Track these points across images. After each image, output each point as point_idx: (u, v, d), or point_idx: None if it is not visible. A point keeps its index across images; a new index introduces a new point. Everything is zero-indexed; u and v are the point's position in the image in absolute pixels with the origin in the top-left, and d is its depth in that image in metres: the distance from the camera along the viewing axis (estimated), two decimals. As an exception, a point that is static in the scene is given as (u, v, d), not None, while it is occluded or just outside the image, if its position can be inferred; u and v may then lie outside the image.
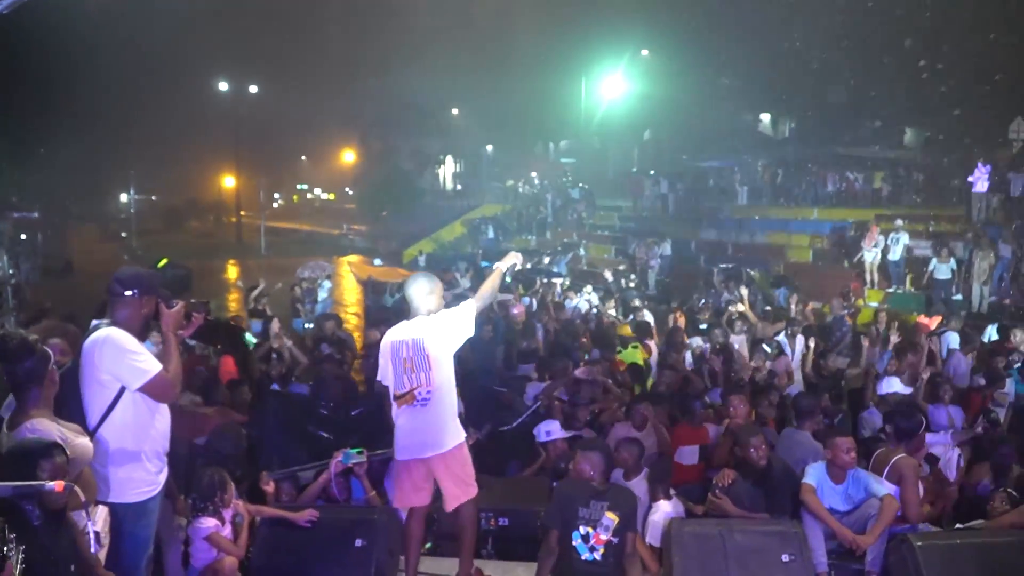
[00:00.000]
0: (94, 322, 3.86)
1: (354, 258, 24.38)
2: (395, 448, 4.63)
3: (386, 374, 4.64)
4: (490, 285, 4.69)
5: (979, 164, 19.70)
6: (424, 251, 29.34)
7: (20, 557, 2.41)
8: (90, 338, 3.73)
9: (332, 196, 74.15)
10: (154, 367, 3.70)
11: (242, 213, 48.79)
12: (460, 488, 4.60)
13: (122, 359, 3.67)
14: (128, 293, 3.78)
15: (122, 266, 4.02)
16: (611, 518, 4.78)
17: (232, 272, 32.67)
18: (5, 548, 2.40)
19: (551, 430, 6.73)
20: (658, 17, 33.63)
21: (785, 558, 4.79)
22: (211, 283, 23.38)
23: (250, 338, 9.34)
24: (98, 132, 41.42)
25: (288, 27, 44.54)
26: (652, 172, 31.16)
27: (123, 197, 51.61)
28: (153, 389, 3.70)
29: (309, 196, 78.57)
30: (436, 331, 4.54)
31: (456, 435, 4.59)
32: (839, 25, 28.05)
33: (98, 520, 3.50)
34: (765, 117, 39.47)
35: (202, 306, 4.05)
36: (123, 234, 43.30)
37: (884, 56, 27.14)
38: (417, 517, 4.78)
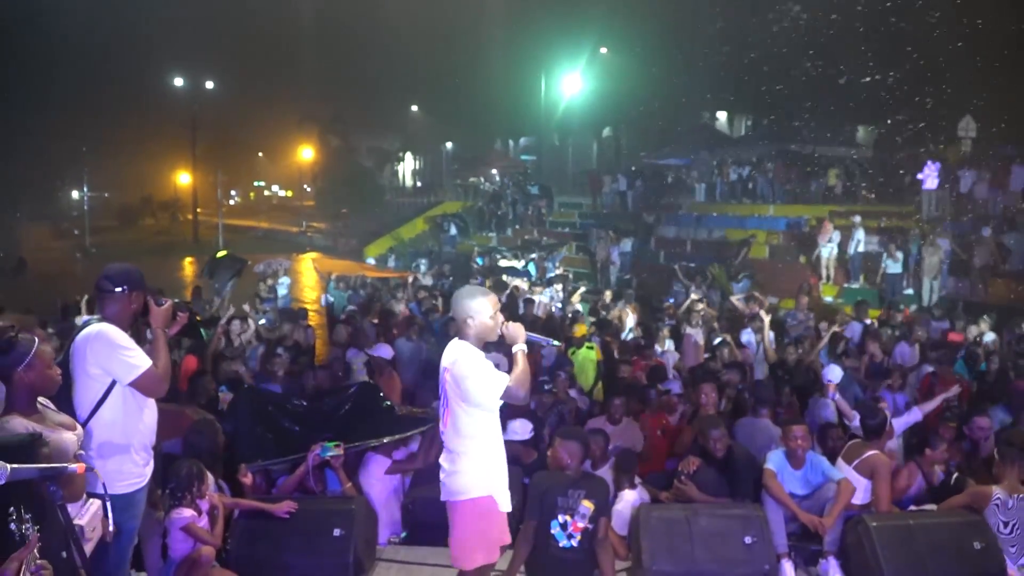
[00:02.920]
0: (84, 318, 3.93)
1: (315, 255, 24.30)
2: None
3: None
4: (523, 370, 3.90)
5: (928, 162, 20.32)
6: (392, 247, 29.30)
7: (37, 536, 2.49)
8: (81, 333, 3.80)
9: (290, 193, 73.53)
10: (144, 363, 3.78)
11: (198, 211, 48.16)
12: (458, 550, 4.03)
13: (113, 354, 3.74)
14: (118, 290, 3.87)
15: (110, 263, 4.07)
16: (587, 506, 4.95)
17: (189, 270, 32.32)
18: (24, 527, 2.48)
19: (516, 430, 6.77)
20: (616, 15, 33.96)
21: (747, 540, 5.02)
22: (167, 281, 23.07)
23: (204, 331, 9.40)
24: (49, 128, 40.61)
25: (244, 22, 43.98)
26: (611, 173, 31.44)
27: (75, 194, 50.61)
28: (143, 384, 3.78)
29: (266, 193, 77.78)
30: (452, 370, 3.93)
31: (465, 490, 3.94)
32: (794, 26, 28.63)
33: (86, 514, 3.56)
34: (722, 115, 40.09)
35: (186, 306, 4.12)
36: (76, 231, 42.46)
37: (838, 56, 27.74)
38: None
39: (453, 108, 41.93)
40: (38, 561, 2.43)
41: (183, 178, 52.43)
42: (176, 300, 4.08)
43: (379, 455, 6.08)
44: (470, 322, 3.98)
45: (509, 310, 12.50)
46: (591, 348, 10.54)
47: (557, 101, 38.72)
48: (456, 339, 4.10)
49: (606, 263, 23.42)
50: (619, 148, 41.14)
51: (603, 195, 30.25)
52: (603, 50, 37.57)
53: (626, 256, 23.65)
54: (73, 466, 2.68)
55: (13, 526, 2.48)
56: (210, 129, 48.43)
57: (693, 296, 12.77)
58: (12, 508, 2.50)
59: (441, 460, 4.08)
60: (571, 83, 37.65)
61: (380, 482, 6.00)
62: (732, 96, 33.73)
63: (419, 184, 50.25)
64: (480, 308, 4.00)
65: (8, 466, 2.36)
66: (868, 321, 12.23)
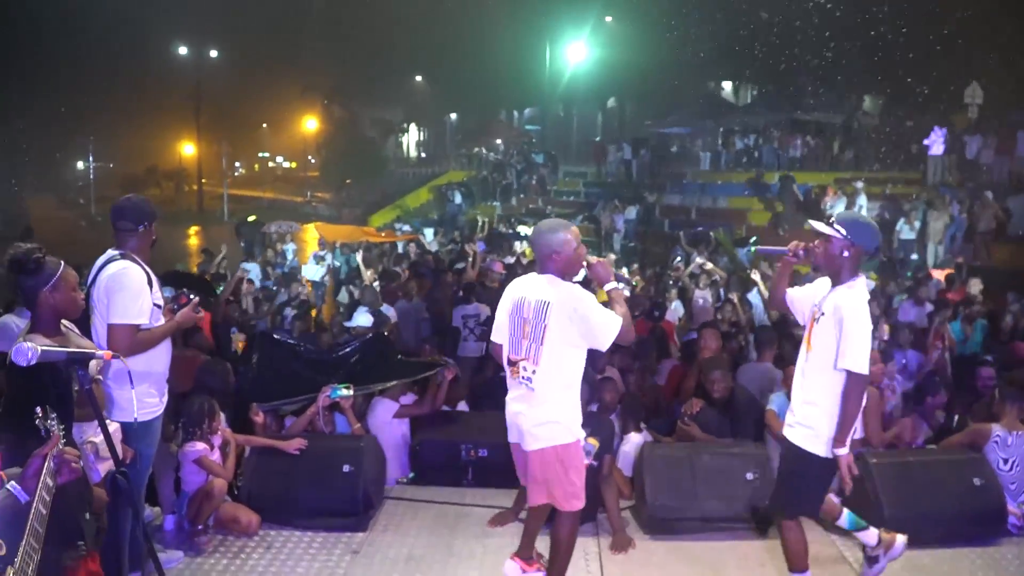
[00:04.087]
0: (109, 252, 3.99)
1: (319, 224, 24.56)
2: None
3: (502, 331, 4.01)
4: (626, 310, 3.89)
5: (935, 128, 20.25)
6: (398, 216, 29.33)
7: (62, 432, 2.58)
8: (107, 269, 3.87)
9: (294, 164, 73.30)
10: (135, 318, 3.83)
11: (203, 181, 48.14)
12: (557, 491, 3.89)
13: (119, 293, 3.83)
14: (140, 228, 4.00)
15: (120, 200, 4.14)
16: (592, 443, 5.01)
17: (194, 240, 32.44)
18: (48, 422, 2.56)
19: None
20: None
21: (749, 476, 5.10)
22: (174, 250, 23.19)
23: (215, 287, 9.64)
24: (53, 99, 40.53)
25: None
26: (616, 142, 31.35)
27: (80, 165, 50.57)
28: (116, 333, 3.81)
29: (271, 164, 77.61)
30: (568, 306, 3.74)
31: (562, 434, 3.82)
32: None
33: (100, 433, 3.64)
34: (727, 85, 39.81)
35: (187, 295, 4.23)
36: (81, 201, 42.53)
37: (843, 23, 27.49)
38: (534, 516, 4.18)
39: (457, 79, 41.56)
40: (64, 449, 2.51)
41: (187, 149, 52.34)
42: (190, 294, 4.21)
43: (386, 399, 6.17)
44: (555, 257, 3.82)
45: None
46: None
47: (562, 71, 38.45)
48: (538, 274, 3.93)
49: (611, 231, 23.48)
50: (624, 117, 40.92)
51: (608, 164, 30.20)
52: (608, 19, 37.27)
53: (630, 224, 23.72)
54: (100, 352, 2.77)
55: (39, 422, 2.56)
56: (214, 100, 48.21)
57: (698, 260, 12.80)
58: (38, 407, 2.58)
59: (526, 407, 3.83)
60: (576, 52, 37.39)
61: (388, 425, 6.09)
62: (737, 65, 33.44)
63: (423, 155, 50.07)
64: (566, 240, 3.84)
65: (38, 347, 2.44)
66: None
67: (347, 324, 8.46)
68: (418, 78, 48.88)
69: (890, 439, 5.80)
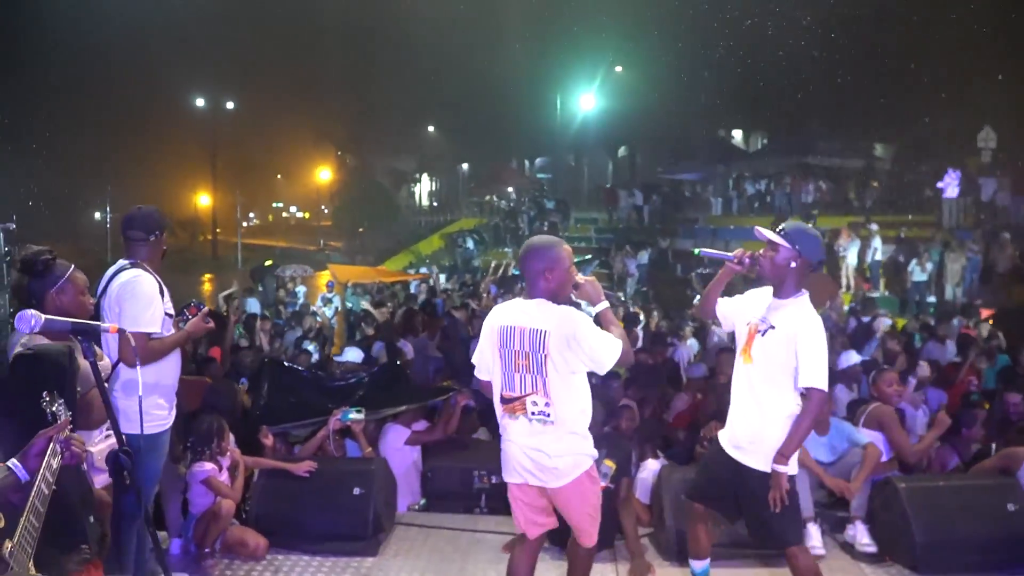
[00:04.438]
0: (120, 261, 3.96)
1: (334, 265, 24.97)
2: (502, 465, 3.68)
3: (486, 365, 3.65)
4: (622, 331, 3.67)
5: (949, 170, 20.24)
6: (411, 262, 29.47)
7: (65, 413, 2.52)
8: (119, 278, 3.83)
9: (307, 215, 73.98)
10: (147, 326, 3.77)
11: (217, 231, 48.58)
12: (587, 516, 3.64)
13: (131, 301, 3.78)
14: (152, 237, 3.95)
15: (131, 209, 4.11)
16: (609, 465, 4.90)
17: (208, 286, 32.55)
18: (55, 407, 2.50)
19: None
20: (631, 34, 34.11)
21: (771, 499, 4.92)
22: (188, 295, 23.30)
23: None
24: (74, 150, 41.19)
25: (264, 44, 44.46)
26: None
27: (97, 215, 51.12)
28: (125, 342, 3.72)
29: (284, 215, 78.33)
30: (566, 332, 3.43)
31: (587, 460, 3.57)
32: (809, 41, 28.66)
33: (101, 443, 3.55)
34: (737, 134, 40.13)
35: (197, 304, 4.18)
36: (97, 249, 42.86)
37: (853, 69, 27.75)
38: (526, 550, 3.74)
39: (469, 129, 42.08)
40: (70, 434, 2.44)
41: (203, 199, 52.90)
42: (200, 304, 4.14)
43: (398, 425, 6.06)
44: (548, 276, 3.49)
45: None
46: None
47: (572, 120, 38.89)
48: (525, 299, 3.62)
49: (623, 275, 23.45)
50: (634, 165, 41.20)
51: (619, 210, 30.30)
52: (618, 68, 37.76)
53: (643, 268, 23.68)
54: (106, 325, 2.70)
55: (45, 406, 2.49)
56: (229, 150, 48.92)
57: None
58: (45, 392, 2.52)
59: (547, 442, 3.47)
60: (586, 102, 37.83)
61: (399, 452, 5.96)
62: (747, 112, 33.75)
63: (435, 204, 50.44)
64: (560, 258, 3.52)
65: (43, 316, 2.37)
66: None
67: (337, 359, 8.38)
68: (430, 128, 49.49)
69: (923, 449, 5.61)
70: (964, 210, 20.39)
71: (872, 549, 4.98)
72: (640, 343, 10.34)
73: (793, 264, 3.69)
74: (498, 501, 5.63)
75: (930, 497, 4.90)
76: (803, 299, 3.75)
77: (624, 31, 34.42)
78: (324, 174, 55.40)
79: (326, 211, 58.80)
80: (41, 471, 2.26)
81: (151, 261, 3.98)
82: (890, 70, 26.93)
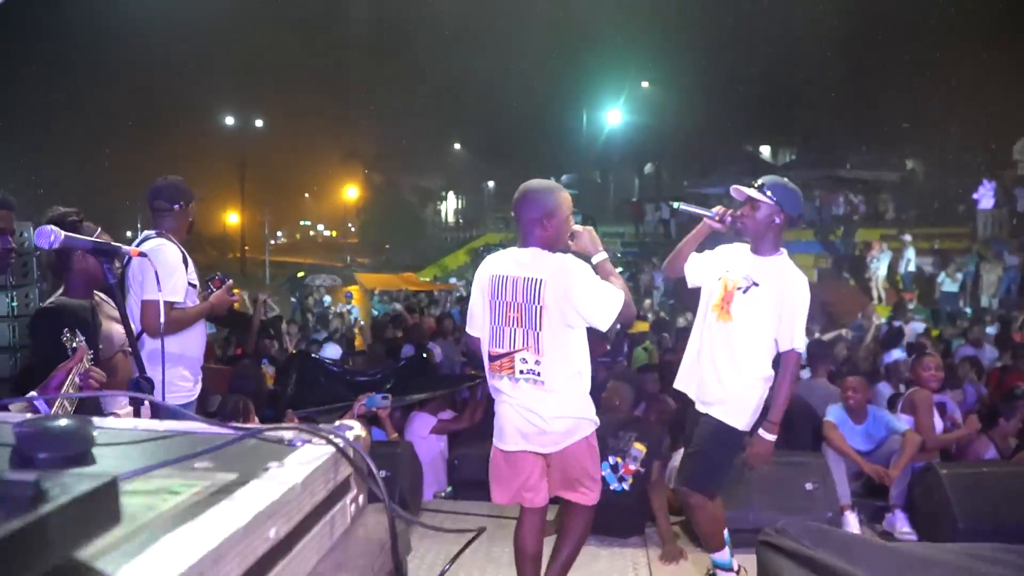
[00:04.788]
0: (145, 232, 3.96)
1: (361, 274, 25.44)
2: (495, 430, 3.44)
3: (476, 320, 3.36)
4: (623, 283, 3.32)
5: (984, 181, 19.97)
6: (436, 276, 29.57)
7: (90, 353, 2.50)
8: (144, 246, 3.80)
9: (334, 233, 74.54)
10: (169, 295, 3.73)
11: (245, 248, 49.04)
12: (587, 483, 3.38)
13: (153, 270, 3.75)
14: (176, 207, 3.92)
15: (156, 180, 4.09)
16: (639, 448, 4.80)
17: (236, 305, 32.78)
18: (76, 341, 2.47)
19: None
20: (658, 49, 34.10)
21: (808, 486, 4.80)
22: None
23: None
24: (104, 170, 41.82)
25: (292, 63, 45.13)
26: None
27: (128, 233, 51.77)
28: (148, 309, 3.70)
29: (312, 233, 78.99)
30: (565, 281, 3.11)
31: (588, 427, 3.29)
32: (839, 54, 28.47)
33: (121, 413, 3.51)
34: (765, 149, 39.89)
35: (221, 277, 4.15)
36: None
37: (885, 83, 27.52)
38: (531, 523, 3.51)
39: (495, 146, 42.24)
40: (89, 367, 2.40)
41: (232, 217, 53.47)
42: (225, 276, 4.12)
43: (424, 414, 5.99)
44: (546, 223, 3.19)
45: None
46: (647, 350, 10.59)
47: (598, 136, 38.89)
48: (519, 248, 3.30)
49: (650, 288, 23.27)
50: (660, 180, 41.08)
51: (645, 223, 30.15)
52: (644, 84, 37.75)
53: (669, 281, 23.46)
54: (127, 248, 2.66)
55: (66, 341, 2.47)
56: (258, 168, 49.46)
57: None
58: (66, 328, 2.49)
59: (538, 405, 3.18)
60: (613, 117, 37.82)
61: (425, 440, 5.89)
62: (775, 128, 33.55)
63: (461, 221, 50.60)
64: (559, 204, 3.22)
65: (62, 233, 2.33)
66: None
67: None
68: (457, 146, 49.76)
69: (945, 440, 5.45)
70: (999, 221, 20.06)
71: (912, 537, 4.82)
72: (672, 344, 10.25)
73: (776, 220, 3.61)
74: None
75: (973, 483, 4.73)
76: (784, 257, 3.67)
77: (650, 46, 34.46)
78: (351, 192, 55.83)
79: (352, 229, 59.26)
80: (59, 401, 2.22)
81: (176, 232, 3.96)
82: (922, 82, 26.66)
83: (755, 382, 3.61)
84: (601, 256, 3.34)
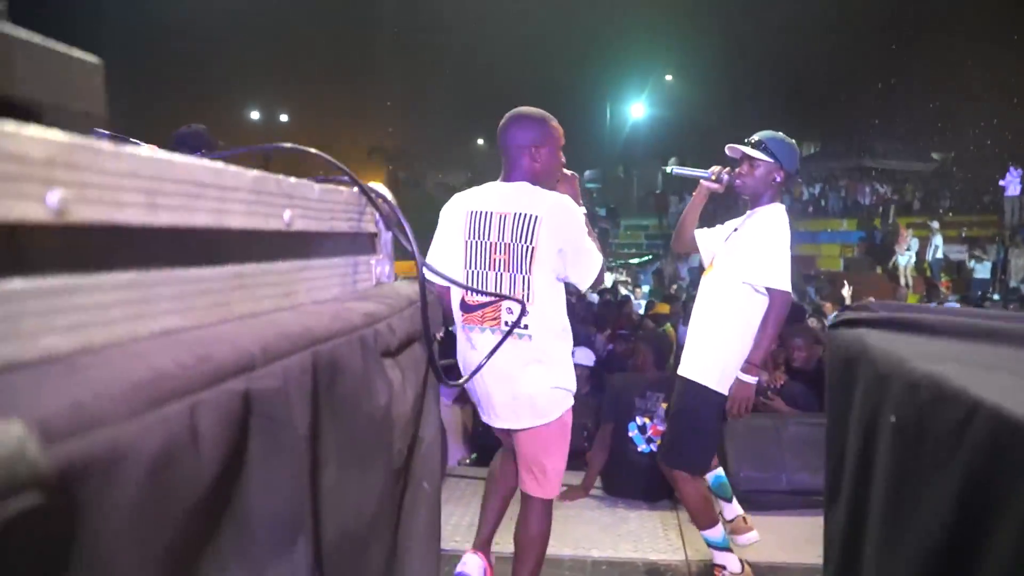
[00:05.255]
0: None
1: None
2: (471, 392, 2.99)
3: (444, 265, 2.77)
4: (598, 245, 2.86)
5: (1011, 168, 19.66)
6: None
7: None
8: None
9: (358, 230, 75.02)
10: None
11: (269, 243, 49.44)
12: (555, 477, 2.91)
13: None
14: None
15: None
16: (666, 408, 4.71)
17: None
18: None
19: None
20: (682, 41, 33.90)
21: (843, 447, 4.68)
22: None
23: None
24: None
25: (316, 58, 45.30)
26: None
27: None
28: None
29: (335, 230, 79.59)
30: (562, 221, 2.69)
31: (563, 403, 2.78)
32: (864, 41, 28.15)
33: None
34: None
35: None
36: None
37: (910, 73, 27.16)
38: (506, 464, 3.27)
39: (518, 140, 42.19)
40: None
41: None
42: None
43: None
44: (536, 153, 2.77)
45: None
46: (665, 332, 10.50)
47: (622, 130, 38.71)
48: (502, 182, 2.84)
49: (674, 279, 23.12)
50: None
51: (669, 215, 29.98)
52: (668, 78, 37.53)
53: (694, 271, 23.32)
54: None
55: None
56: (282, 162, 49.79)
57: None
58: None
59: (519, 367, 2.68)
60: (636, 111, 37.64)
61: (449, 408, 5.83)
62: (800, 119, 33.22)
63: (484, 216, 50.52)
64: (553, 134, 2.81)
65: None
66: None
67: None
68: (480, 142, 49.79)
69: None
70: (1026, 207, 19.78)
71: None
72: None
73: (776, 178, 3.37)
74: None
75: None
76: (776, 205, 3.38)
77: (673, 39, 34.26)
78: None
79: (376, 224, 59.41)
80: None
81: None
82: (946, 71, 26.29)
83: (731, 334, 3.27)
84: (582, 210, 2.87)
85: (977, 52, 24.87)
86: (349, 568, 0.93)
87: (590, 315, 10.07)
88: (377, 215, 1.24)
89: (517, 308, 2.65)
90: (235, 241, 0.82)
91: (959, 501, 0.95)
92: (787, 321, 5.94)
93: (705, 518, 3.52)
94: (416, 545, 1.20)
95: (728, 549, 3.60)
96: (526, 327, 2.67)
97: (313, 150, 1.22)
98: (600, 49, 37.39)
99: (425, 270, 1.27)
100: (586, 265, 2.72)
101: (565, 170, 2.94)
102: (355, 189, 1.17)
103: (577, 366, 5.88)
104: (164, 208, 0.69)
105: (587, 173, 47.91)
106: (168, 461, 0.56)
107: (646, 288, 19.23)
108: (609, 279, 21.24)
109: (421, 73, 44.62)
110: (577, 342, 6.21)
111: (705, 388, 3.29)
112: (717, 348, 3.29)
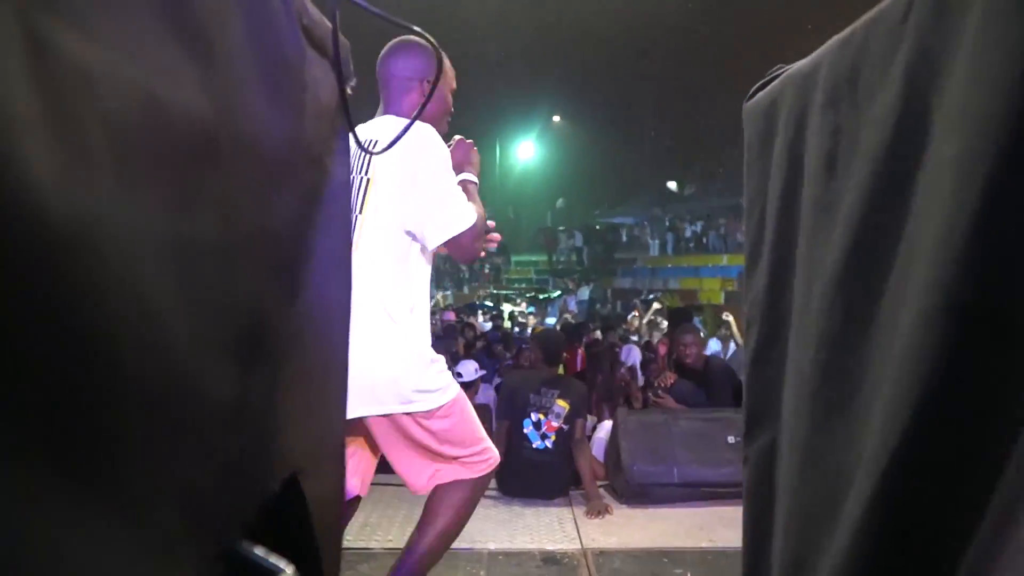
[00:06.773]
0: None
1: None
2: None
3: None
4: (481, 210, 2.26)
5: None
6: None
7: None
8: None
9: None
10: None
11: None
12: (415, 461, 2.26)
13: None
14: None
15: None
16: (562, 405, 4.73)
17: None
18: None
19: (463, 372, 6.46)
20: (569, 85, 34.78)
21: (731, 439, 4.80)
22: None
23: None
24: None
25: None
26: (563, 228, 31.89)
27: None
28: None
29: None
30: (416, 155, 2.13)
31: (443, 384, 2.21)
32: (736, 89, 29.57)
33: None
34: (672, 184, 41.00)
35: None
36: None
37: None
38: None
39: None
40: None
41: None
42: None
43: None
44: (424, 87, 2.28)
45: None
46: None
47: (511, 172, 39.22)
48: (377, 117, 2.36)
49: (563, 312, 23.46)
50: (572, 209, 41.83)
51: (559, 251, 30.52)
52: (556, 119, 38.37)
53: (583, 304, 23.75)
54: None
55: None
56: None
57: (656, 305, 12.87)
58: None
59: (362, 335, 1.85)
60: (525, 152, 38.26)
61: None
62: (682, 160, 34.55)
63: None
64: (446, 72, 2.30)
65: None
66: None
67: None
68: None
69: None
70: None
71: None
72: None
73: None
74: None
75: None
76: None
77: (561, 81, 35.10)
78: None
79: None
80: None
81: None
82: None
83: None
84: (469, 177, 2.38)
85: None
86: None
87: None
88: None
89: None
90: None
91: (904, 99, 0.93)
92: (675, 322, 6.11)
93: None
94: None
95: None
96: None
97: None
98: (488, 89, 37.91)
99: None
100: (441, 211, 2.16)
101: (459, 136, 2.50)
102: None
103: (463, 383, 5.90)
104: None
105: (478, 213, 48.45)
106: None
107: (551, 320, 19.57)
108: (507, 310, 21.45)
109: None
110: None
111: None
112: None
